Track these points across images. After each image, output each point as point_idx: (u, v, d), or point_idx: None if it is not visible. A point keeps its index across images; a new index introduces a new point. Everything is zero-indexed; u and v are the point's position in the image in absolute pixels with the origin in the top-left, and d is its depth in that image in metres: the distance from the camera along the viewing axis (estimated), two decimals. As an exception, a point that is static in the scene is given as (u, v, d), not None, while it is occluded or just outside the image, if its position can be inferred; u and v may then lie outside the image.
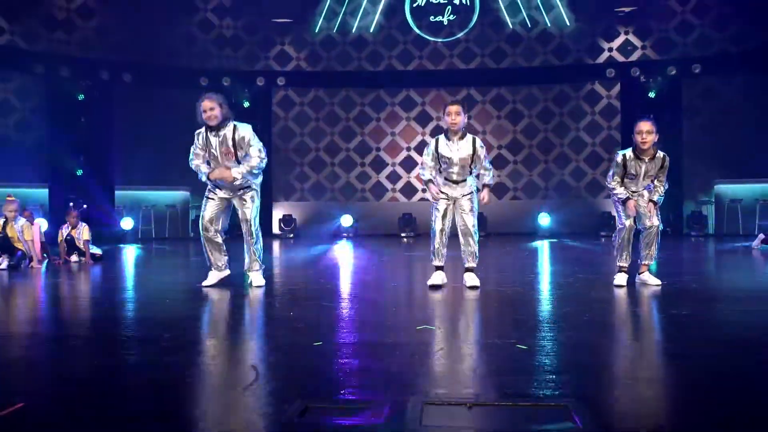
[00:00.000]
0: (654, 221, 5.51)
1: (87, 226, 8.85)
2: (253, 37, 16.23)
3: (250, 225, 5.65)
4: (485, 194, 5.66)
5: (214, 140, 5.50)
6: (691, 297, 5.04)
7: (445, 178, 5.58)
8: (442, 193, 5.60)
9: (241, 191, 5.62)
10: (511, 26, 16.05)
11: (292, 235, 15.29)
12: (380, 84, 16.58)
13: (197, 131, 5.63)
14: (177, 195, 15.65)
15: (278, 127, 16.65)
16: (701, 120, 15.18)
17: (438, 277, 5.66)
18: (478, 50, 16.25)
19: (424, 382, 2.66)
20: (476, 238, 5.61)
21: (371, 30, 16.28)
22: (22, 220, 8.20)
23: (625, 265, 5.63)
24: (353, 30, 16.29)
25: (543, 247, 11.46)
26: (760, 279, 6.76)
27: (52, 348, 3.50)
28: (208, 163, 5.63)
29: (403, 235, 14.79)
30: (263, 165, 5.59)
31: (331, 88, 16.66)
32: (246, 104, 15.71)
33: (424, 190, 15.95)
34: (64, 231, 8.83)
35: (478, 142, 5.54)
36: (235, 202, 5.67)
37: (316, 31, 16.28)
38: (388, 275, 7.24)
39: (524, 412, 2.25)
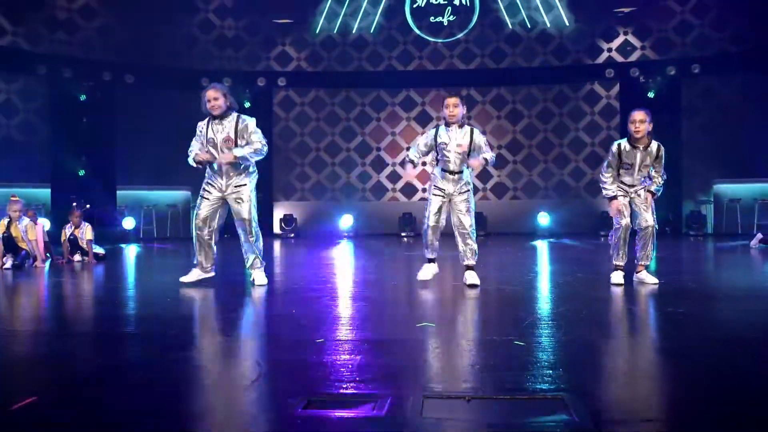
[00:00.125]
0: (649, 221, 5.57)
1: (90, 226, 8.92)
2: (254, 37, 16.30)
3: (250, 223, 5.65)
4: (477, 162, 5.50)
5: (216, 127, 5.56)
6: (688, 295, 5.11)
7: (443, 169, 5.59)
8: (438, 188, 5.62)
9: (236, 189, 5.60)
10: (510, 27, 16.11)
11: (292, 235, 15.36)
12: (380, 84, 16.65)
13: (200, 122, 5.70)
14: (178, 195, 15.72)
15: (279, 128, 16.72)
16: (700, 120, 15.25)
17: (428, 271, 5.73)
18: (478, 51, 16.32)
19: (424, 376, 2.73)
20: (474, 237, 5.64)
21: (371, 30, 16.35)
22: (26, 220, 8.27)
23: (621, 263, 5.70)
24: (354, 30, 16.36)
25: (542, 246, 11.53)
26: (757, 278, 6.82)
27: (60, 345, 3.56)
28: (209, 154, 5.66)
29: (403, 234, 14.87)
30: (264, 151, 5.59)
31: (332, 88, 16.73)
32: (247, 104, 15.76)
33: (424, 190, 16.03)
34: (68, 231, 8.90)
35: (477, 132, 5.60)
36: (230, 201, 5.64)
37: (317, 31, 16.35)
38: (388, 274, 7.31)
39: (522, 404, 2.32)
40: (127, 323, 4.22)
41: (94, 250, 8.86)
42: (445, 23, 16.19)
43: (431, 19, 16.21)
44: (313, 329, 3.75)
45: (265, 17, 16.07)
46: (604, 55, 15.90)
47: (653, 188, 5.61)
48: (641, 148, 5.50)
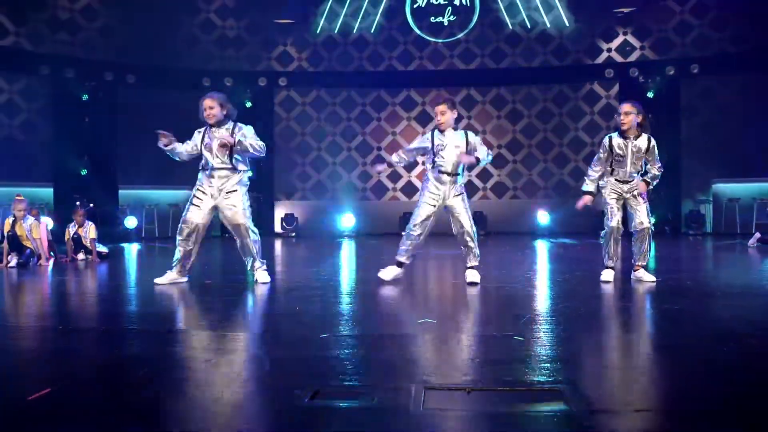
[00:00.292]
0: (644, 222, 5.62)
1: (93, 225, 9.00)
2: (255, 37, 16.38)
3: (246, 229, 5.67)
4: (469, 158, 5.59)
5: (213, 135, 5.64)
6: (685, 293, 5.18)
7: (439, 171, 5.64)
8: (432, 193, 5.66)
9: (228, 195, 5.63)
10: (510, 27, 16.19)
11: (293, 234, 15.43)
12: (381, 84, 16.73)
13: (199, 129, 5.77)
14: (180, 194, 15.75)
15: (280, 127, 16.80)
16: (699, 120, 15.32)
17: (391, 272, 5.80)
18: (478, 51, 16.40)
19: (425, 370, 2.81)
20: (475, 237, 5.69)
21: (372, 31, 16.42)
22: (30, 219, 8.35)
23: (612, 264, 5.77)
24: (354, 31, 16.43)
25: (542, 245, 11.61)
26: (754, 276, 6.89)
27: (68, 340, 3.64)
28: (202, 159, 5.70)
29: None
30: (262, 151, 5.63)
31: (333, 88, 16.80)
32: (248, 104, 15.85)
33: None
34: (71, 229, 8.97)
35: (471, 134, 5.70)
36: (222, 207, 5.65)
37: (318, 31, 16.42)
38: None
39: (520, 396, 2.40)
40: (132, 320, 4.30)
41: (98, 249, 8.94)
42: (446, 23, 16.27)
43: (431, 19, 16.28)
44: (317, 325, 3.83)
45: (266, 17, 16.15)
46: (604, 55, 15.98)
47: (648, 177, 5.67)
48: (632, 139, 5.59)
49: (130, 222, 14.45)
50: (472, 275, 5.65)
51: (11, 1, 13.69)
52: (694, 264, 8.54)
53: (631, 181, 5.69)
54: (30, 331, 3.90)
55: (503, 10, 16.14)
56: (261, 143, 5.66)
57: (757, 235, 10.62)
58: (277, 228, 16.15)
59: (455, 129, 5.71)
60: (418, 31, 16.36)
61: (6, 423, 2.18)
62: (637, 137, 5.60)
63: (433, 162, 5.68)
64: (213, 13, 16.18)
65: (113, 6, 14.85)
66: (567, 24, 15.97)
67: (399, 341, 3.39)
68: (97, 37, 14.81)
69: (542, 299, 5.00)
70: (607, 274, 5.74)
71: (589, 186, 5.79)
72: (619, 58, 15.83)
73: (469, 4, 16.14)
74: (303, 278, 6.76)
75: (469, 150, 5.62)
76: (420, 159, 6.16)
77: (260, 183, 16.03)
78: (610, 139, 5.68)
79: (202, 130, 5.75)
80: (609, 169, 5.72)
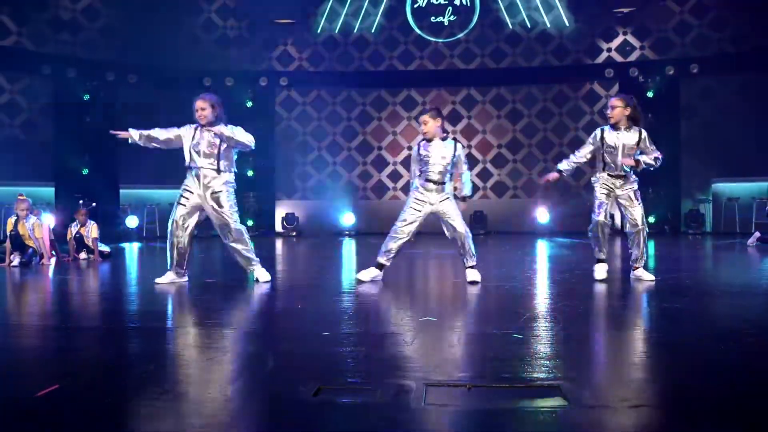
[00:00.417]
0: (638, 223, 5.62)
1: (96, 225, 9.05)
2: (256, 37, 16.41)
3: (232, 226, 5.70)
4: (463, 205, 5.84)
5: (204, 134, 5.67)
6: (684, 292, 5.22)
7: (426, 180, 5.71)
8: (418, 200, 5.74)
9: (214, 196, 5.67)
10: (510, 27, 16.22)
11: (294, 233, 15.48)
12: (381, 84, 16.77)
13: (191, 124, 5.81)
14: (181, 194, 15.83)
15: (281, 127, 16.84)
16: (699, 119, 15.36)
17: (369, 274, 5.83)
18: (478, 50, 16.43)
19: (426, 367, 2.85)
20: (470, 237, 5.72)
21: (373, 31, 16.46)
22: (32, 219, 8.38)
23: (603, 257, 5.80)
24: (355, 30, 16.47)
25: (542, 244, 11.65)
26: (753, 275, 6.94)
27: (73, 338, 3.68)
28: (189, 159, 5.75)
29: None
30: (251, 144, 5.69)
31: (333, 88, 16.84)
32: (249, 104, 15.90)
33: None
34: (74, 229, 9.02)
35: (460, 147, 5.76)
36: (208, 209, 5.69)
37: (318, 31, 16.46)
38: (390, 271, 7.42)
39: (520, 392, 2.44)
40: (134, 319, 4.34)
41: (100, 248, 8.98)
42: (446, 23, 16.31)
43: (432, 19, 16.32)
44: (319, 323, 3.87)
45: (266, 17, 16.18)
46: (604, 55, 16.02)
47: (642, 157, 5.61)
48: (622, 129, 5.65)
49: (132, 221, 14.50)
50: (473, 274, 5.70)
51: (13, 1, 13.73)
52: (693, 263, 8.58)
53: (623, 176, 5.69)
54: (33, 330, 3.94)
55: (503, 10, 16.18)
56: (250, 137, 5.73)
57: (757, 234, 10.66)
58: (278, 227, 16.20)
59: (444, 138, 5.75)
60: (418, 31, 16.40)
61: (15, 418, 2.22)
62: (628, 129, 5.64)
63: (420, 171, 5.74)
64: (214, 13, 16.22)
65: (114, 6, 14.89)
66: (567, 24, 16.01)
67: (400, 339, 3.43)
68: (98, 37, 14.85)
69: (541, 298, 5.04)
70: (600, 270, 5.76)
71: (563, 165, 5.90)
72: (618, 58, 15.87)
73: (469, 4, 16.18)
74: (304, 277, 6.81)
75: (454, 162, 5.71)
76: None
77: (261, 182, 16.13)
78: (602, 131, 5.74)
79: (194, 127, 5.78)
80: (601, 163, 5.75)
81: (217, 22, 16.23)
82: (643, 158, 5.62)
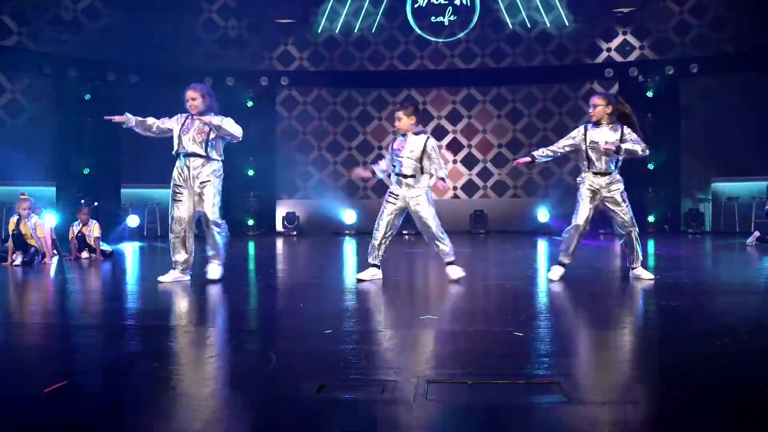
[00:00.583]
0: (628, 226, 5.62)
1: (97, 224, 9.07)
2: (257, 37, 16.45)
3: (210, 220, 5.72)
4: (441, 184, 5.77)
5: (195, 122, 5.71)
6: (683, 290, 5.26)
7: (397, 174, 5.82)
8: (393, 194, 5.82)
9: (202, 185, 5.71)
10: (510, 26, 16.25)
11: (295, 233, 15.51)
12: (382, 84, 16.80)
13: (181, 114, 5.85)
14: (182, 193, 15.86)
15: (281, 126, 16.87)
16: (699, 119, 15.38)
17: (368, 273, 5.86)
18: (479, 50, 16.46)
19: (428, 364, 2.89)
20: (443, 237, 5.77)
21: (373, 30, 16.49)
22: (35, 218, 8.42)
23: (566, 261, 5.75)
24: (355, 30, 16.50)
25: (542, 244, 11.68)
26: (752, 274, 6.97)
27: (77, 336, 3.72)
28: (177, 144, 5.79)
29: (404, 232, 15.01)
30: (239, 136, 5.70)
31: (334, 87, 16.87)
32: (250, 104, 15.94)
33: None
34: (75, 228, 9.05)
35: (431, 142, 5.79)
36: (195, 199, 5.76)
37: (319, 31, 16.49)
38: (391, 270, 7.46)
39: (520, 389, 2.48)
40: (137, 317, 4.37)
41: (102, 248, 9.01)
42: (446, 23, 16.33)
43: (432, 19, 16.35)
44: (321, 321, 3.91)
45: (267, 17, 16.21)
46: (604, 54, 16.05)
47: (623, 144, 5.54)
48: (604, 124, 5.68)
49: (133, 221, 14.54)
50: (454, 271, 5.76)
51: (14, 1, 13.76)
52: (692, 262, 8.62)
53: (608, 174, 5.66)
54: (36, 328, 3.97)
55: (503, 9, 16.21)
56: (239, 128, 5.75)
57: (756, 233, 10.69)
58: (279, 227, 16.23)
59: (417, 134, 5.83)
60: (418, 31, 16.43)
61: (25, 413, 2.26)
62: (610, 127, 5.68)
63: (393, 165, 5.87)
64: (215, 12, 16.25)
65: (115, 6, 14.91)
66: (567, 24, 16.04)
67: (402, 337, 3.47)
68: (99, 37, 14.87)
69: (542, 296, 5.08)
70: (555, 271, 5.74)
71: (538, 152, 5.93)
72: (618, 58, 15.89)
73: (469, 4, 16.20)
74: (305, 276, 6.85)
75: (426, 155, 5.74)
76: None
77: (261, 182, 16.16)
78: (585, 128, 5.77)
79: (184, 116, 5.83)
80: (585, 162, 5.75)
81: (217, 21, 16.26)
82: (625, 145, 5.57)
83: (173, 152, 5.86)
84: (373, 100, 16.96)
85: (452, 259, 5.80)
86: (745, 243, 10.63)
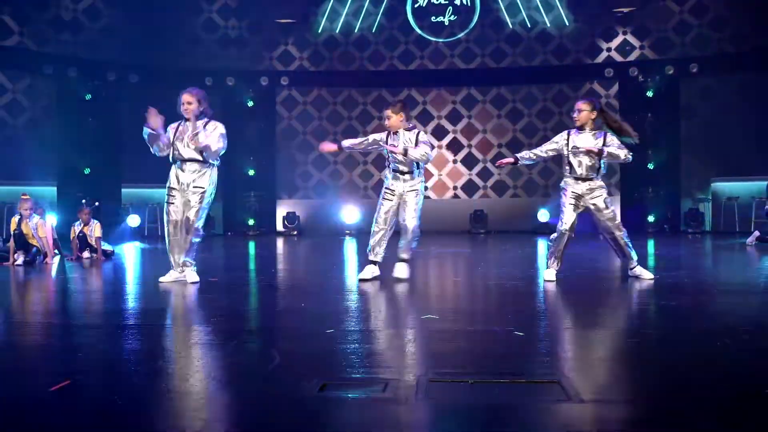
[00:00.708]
0: (613, 230, 5.61)
1: (99, 224, 9.09)
2: (257, 37, 16.46)
3: (193, 226, 5.71)
4: (391, 146, 5.84)
5: (186, 129, 5.72)
6: (682, 290, 5.27)
7: (394, 170, 5.90)
8: (389, 190, 5.87)
9: (194, 189, 5.70)
10: (511, 26, 16.26)
11: (295, 233, 15.53)
12: (382, 84, 16.82)
13: (172, 124, 5.83)
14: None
15: (282, 126, 16.89)
16: (698, 119, 15.39)
17: (369, 271, 5.88)
18: (479, 50, 16.48)
19: (429, 363, 2.91)
20: (415, 234, 5.82)
21: (373, 30, 16.50)
22: (36, 218, 8.43)
23: (555, 266, 5.75)
24: (355, 30, 16.51)
25: (542, 243, 11.69)
26: (752, 274, 6.99)
27: (81, 335, 3.74)
28: (173, 151, 5.78)
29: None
30: (221, 147, 5.67)
31: (334, 87, 16.88)
32: (250, 103, 15.96)
33: (426, 188, 16.21)
34: (77, 228, 9.07)
35: (422, 135, 5.90)
36: (185, 202, 5.73)
37: (319, 31, 16.50)
38: (391, 270, 7.47)
39: (520, 387, 2.50)
40: (140, 317, 4.38)
41: (103, 247, 9.03)
42: (446, 23, 16.35)
43: (432, 18, 16.36)
44: (322, 321, 3.92)
45: (267, 17, 16.23)
46: (604, 54, 16.06)
47: (607, 148, 5.54)
48: (587, 130, 5.71)
49: (134, 220, 14.55)
50: (401, 270, 5.80)
51: (14, 1, 13.77)
52: (692, 262, 8.63)
53: (590, 179, 5.66)
54: (39, 328, 3.99)
55: (503, 9, 16.22)
56: (220, 145, 5.66)
57: (756, 233, 10.70)
58: (279, 227, 16.24)
59: (409, 129, 5.93)
60: (419, 31, 16.44)
61: (31, 411, 2.28)
62: (593, 133, 5.69)
63: (389, 162, 5.96)
64: (215, 12, 16.26)
65: (116, 6, 14.94)
66: (567, 24, 16.05)
67: (403, 336, 3.49)
68: (99, 37, 14.89)
69: (542, 296, 5.09)
70: (549, 273, 5.75)
71: (522, 153, 6.00)
72: (618, 58, 15.91)
73: (469, 4, 16.22)
74: (306, 276, 6.86)
75: (416, 146, 5.82)
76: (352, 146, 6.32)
77: (262, 182, 16.18)
78: (568, 133, 5.80)
79: (176, 124, 5.83)
80: (567, 167, 5.77)
81: (218, 21, 16.27)
82: (608, 149, 5.57)
83: (170, 159, 5.84)
84: (373, 100, 16.97)
85: (407, 257, 5.85)
86: (745, 243, 10.64)
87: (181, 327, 3.99)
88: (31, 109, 14.37)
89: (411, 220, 5.78)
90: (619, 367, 2.87)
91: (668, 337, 3.45)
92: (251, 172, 15.89)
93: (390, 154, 5.89)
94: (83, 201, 11.50)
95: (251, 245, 11.76)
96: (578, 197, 5.68)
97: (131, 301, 5.14)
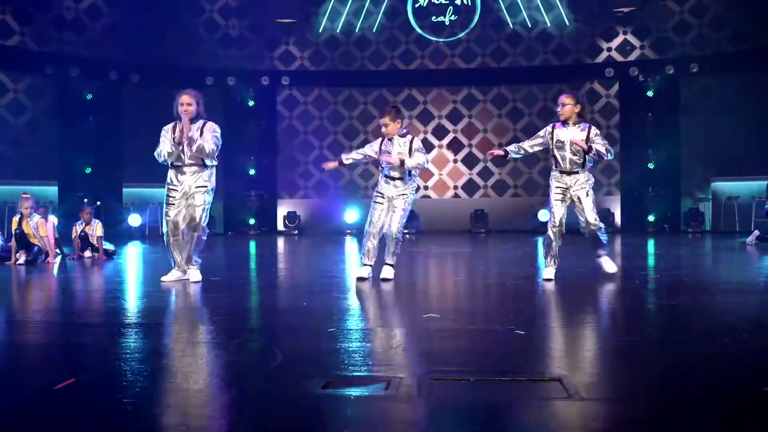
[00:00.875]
0: (591, 222, 5.68)
1: (100, 223, 9.10)
2: (258, 37, 16.48)
3: (198, 222, 5.71)
4: (388, 157, 5.80)
5: (183, 129, 5.69)
6: (682, 289, 5.29)
7: (385, 175, 5.92)
8: (380, 193, 5.90)
9: (196, 190, 5.70)
10: (511, 26, 16.28)
11: (296, 232, 15.54)
12: (383, 83, 16.83)
13: (166, 126, 5.81)
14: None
15: (283, 126, 16.90)
16: (698, 118, 15.39)
17: (365, 271, 5.90)
18: (479, 50, 16.49)
19: (431, 361, 2.93)
20: (397, 242, 5.83)
21: (374, 30, 16.52)
22: (37, 217, 8.45)
23: (552, 264, 5.81)
24: (356, 30, 16.53)
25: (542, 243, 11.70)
26: (752, 273, 7.00)
27: (83, 334, 3.75)
28: (172, 154, 5.75)
29: (405, 231, 15.05)
30: (215, 149, 5.67)
31: (335, 87, 16.90)
32: (251, 103, 15.99)
33: (426, 188, 16.25)
34: (78, 227, 9.08)
35: (416, 143, 5.88)
36: (187, 202, 5.73)
37: (320, 31, 16.52)
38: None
39: (522, 385, 2.51)
40: (142, 316, 4.40)
41: (104, 247, 9.04)
42: (447, 23, 16.36)
43: (433, 18, 16.37)
44: (324, 320, 3.94)
45: (268, 17, 16.24)
46: (604, 54, 16.07)
47: (593, 144, 5.62)
48: (571, 125, 5.75)
49: (135, 220, 14.58)
50: (386, 272, 5.81)
51: (16, 0, 13.80)
52: (692, 261, 8.65)
53: (575, 173, 5.73)
54: (41, 326, 4.01)
55: (504, 9, 16.23)
56: (214, 147, 5.66)
57: (756, 232, 10.71)
58: (280, 226, 16.26)
59: (403, 136, 5.92)
60: (419, 31, 16.46)
61: (36, 409, 2.30)
62: (576, 126, 5.74)
63: (381, 167, 5.97)
64: (216, 12, 16.28)
65: (117, 5, 14.95)
66: (567, 23, 16.06)
67: (404, 334, 3.51)
68: (101, 36, 14.92)
69: (542, 295, 5.11)
70: (548, 272, 5.79)
71: (511, 147, 6.05)
72: (619, 58, 15.92)
73: (470, 4, 16.23)
74: (307, 275, 6.88)
75: (412, 156, 5.81)
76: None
77: (262, 181, 16.20)
78: (553, 127, 5.85)
79: (170, 126, 5.80)
80: (553, 160, 5.82)
81: (218, 21, 16.28)
82: (595, 146, 5.66)
83: (169, 162, 5.81)
84: (374, 100, 16.98)
85: (392, 262, 5.87)
86: (745, 242, 10.66)
87: (183, 326, 4.01)
88: (32, 108, 14.38)
89: (394, 225, 5.79)
90: (619, 366, 2.89)
91: (668, 337, 3.47)
92: (252, 172, 15.91)
93: (384, 162, 5.88)
94: (84, 200, 11.51)
95: (252, 245, 11.78)
96: (565, 190, 5.77)
97: (133, 300, 5.16)
